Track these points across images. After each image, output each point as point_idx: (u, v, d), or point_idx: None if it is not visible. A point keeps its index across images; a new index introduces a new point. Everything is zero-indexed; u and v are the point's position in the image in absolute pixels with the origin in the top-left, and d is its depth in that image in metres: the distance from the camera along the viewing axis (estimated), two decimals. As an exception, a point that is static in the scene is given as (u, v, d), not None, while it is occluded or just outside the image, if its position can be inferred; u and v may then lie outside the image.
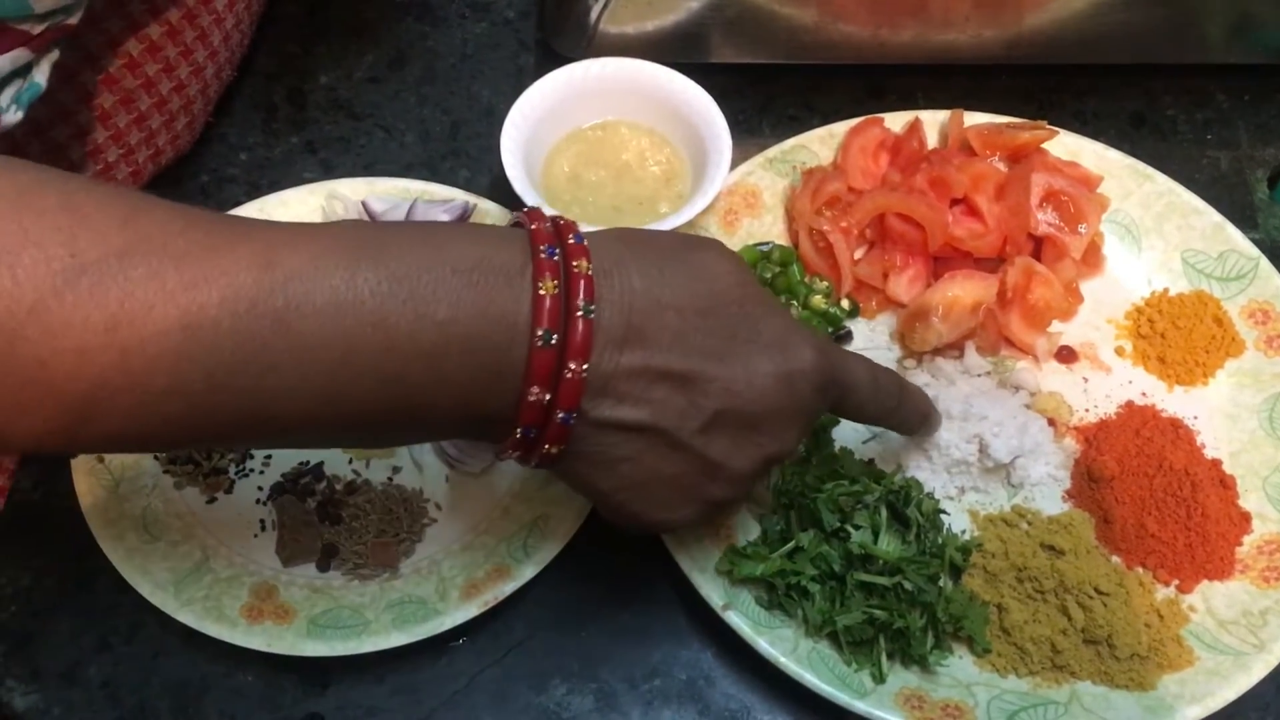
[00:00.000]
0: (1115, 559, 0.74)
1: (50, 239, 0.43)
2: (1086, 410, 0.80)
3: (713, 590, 0.69)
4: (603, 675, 0.71)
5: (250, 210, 0.82)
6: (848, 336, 0.83)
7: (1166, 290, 0.84)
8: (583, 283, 0.51)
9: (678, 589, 0.73)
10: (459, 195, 0.83)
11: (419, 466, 0.77)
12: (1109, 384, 0.82)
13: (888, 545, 0.69)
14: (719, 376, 0.54)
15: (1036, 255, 0.83)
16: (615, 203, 0.84)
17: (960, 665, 0.70)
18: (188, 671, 0.71)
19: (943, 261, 0.83)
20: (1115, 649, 0.69)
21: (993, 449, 0.75)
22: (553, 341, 0.50)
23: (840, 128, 0.87)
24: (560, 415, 0.52)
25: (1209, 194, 0.86)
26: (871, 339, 0.83)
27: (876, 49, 0.90)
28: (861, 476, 0.72)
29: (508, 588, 0.69)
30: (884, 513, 0.71)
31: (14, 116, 0.60)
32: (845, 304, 0.83)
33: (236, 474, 0.76)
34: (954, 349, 0.82)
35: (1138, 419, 0.79)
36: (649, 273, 0.54)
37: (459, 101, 0.94)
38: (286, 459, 0.77)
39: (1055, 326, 0.83)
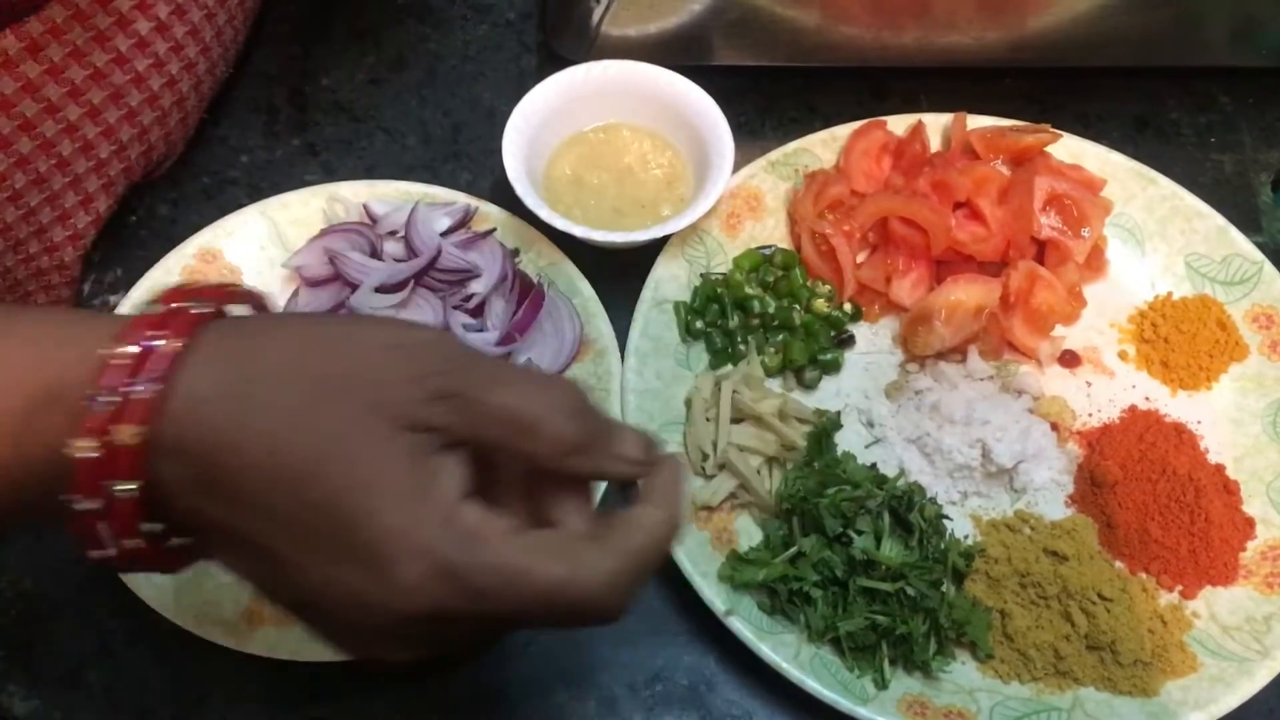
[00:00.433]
0: (1118, 564, 0.74)
1: None
2: (1089, 415, 0.80)
3: (715, 596, 0.69)
4: (604, 681, 0.71)
5: (252, 213, 0.82)
6: (850, 340, 0.82)
7: (1170, 294, 0.84)
8: (126, 456, 0.42)
9: (680, 594, 0.72)
10: (460, 198, 0.83)
11: (420, 471, 0.77)
12: (1112, 388, 0.81)
13: (890, 551, 0.69)
14: (293, 576, 0.44)
15: (1039, 259, 0.83)
16: (617, 205, 0.83)
17: (963, 671, 0.70)
18: (188, 677, 0.70)
19: (945, 265, 0.83)
20: (1118, 655, 0.69)
21: (995, 454, 0.75)
22: (96, 508, 0.42)
23: (843, 130, 0.87)
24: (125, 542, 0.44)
25: (1213, 197, 0.86)
26: (874, 343, 0.83)
27: (879, 51, 0.90)
28: (864, 481, 0.72)
29: (509, 593, 0.69)
30: (887, 518, 0.70)
31: None
32: (848, 308, 0.83)
33: (237, 478, 0.76)
34: (957, 353, 0.82)
35: (1141, 424, 0.79)
36: (253, 421, 0.43)
37: (460, 104, 0.94)
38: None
39: (1058, 331, 0.83)
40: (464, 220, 0.82)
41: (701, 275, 0.82)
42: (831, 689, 0.67)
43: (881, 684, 0.68)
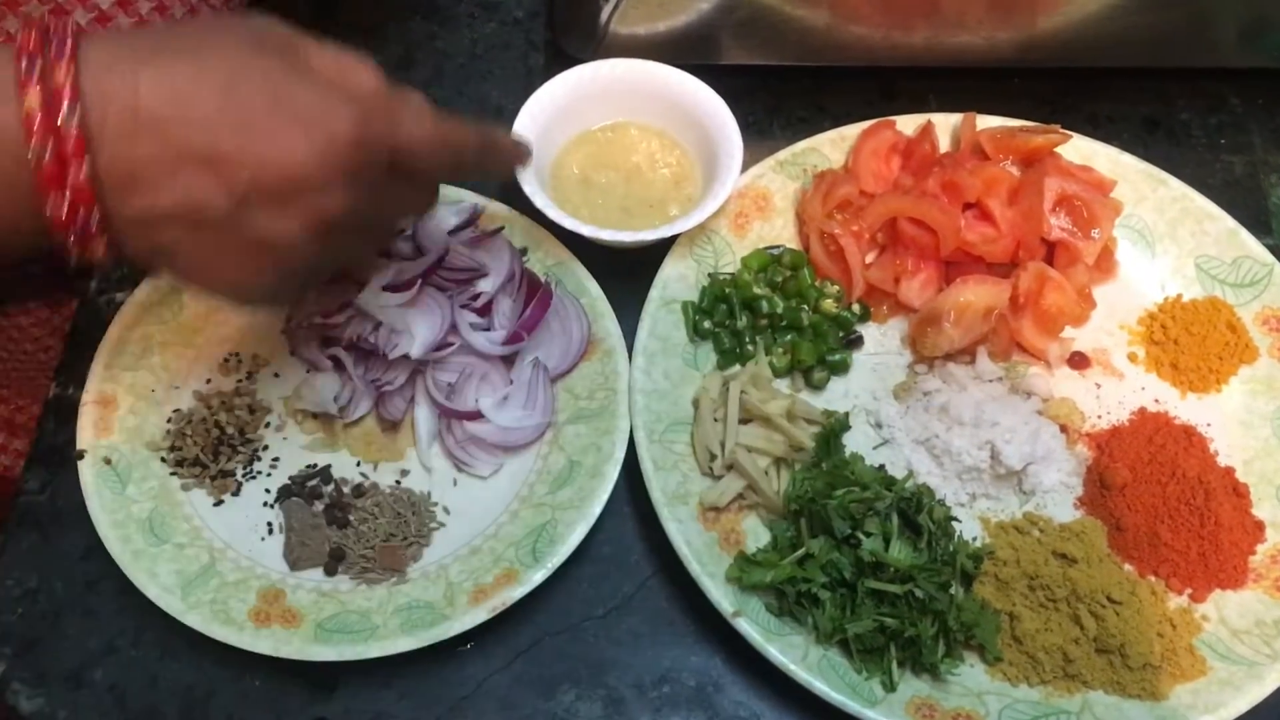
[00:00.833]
0: (1128, 567, 0.74)
1: None
2: (1099, 417, 0.80)
3: (722, 597, 0.69)
4: (611, 681, 0.71)
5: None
6: (859, 341, 0.82)
7: (1180, 296, 0.84)
8: (64, 92, 0.51)
9: (687, 595, 0.72)
10: (468, 196, 0.83)
11: (428, 469, 0.77)
12: (1121, 390, 0.81)
13: (899, 553, 0.69)
14: (246, 149, 0.54)
15: (1049, 260, 0.83)
16: (624, 204, 0.83)
17: (971, 674, 0.70)
18: (194, 675, 0.70)
19: (955, 266, 0.83)
20: (1128, 658, 0.69)
21: (1004, 455, 0.75)
22: (46, 155, 0.51)
23: (852, 130, 0.86)
24: (85, 216, 0.53)
25: (1223, 199, 0.85)
26: (883, 343, 0.83)
27: (888, 51, 0.90)
28: (873, 483, 0.72)
29: (516, 593, 0.69)
30: (895, 520, 0.70)
31: None
32: (856, 308, 0.83)
33: (244, 476, 0.76)
34: (966, 354, 0.81)
35: (1150, 426, 0.78)
36: (162, 61, 0.54)
37: (468, 102, 0.94)
38: (294, 462, 0.77)
39: (1068, 332, 0.82)
40: (472, 219, 0.81)
41: (710, 275, 0.82)
42: (840, 691, 0.66)
43: (890, 686, 0.68)
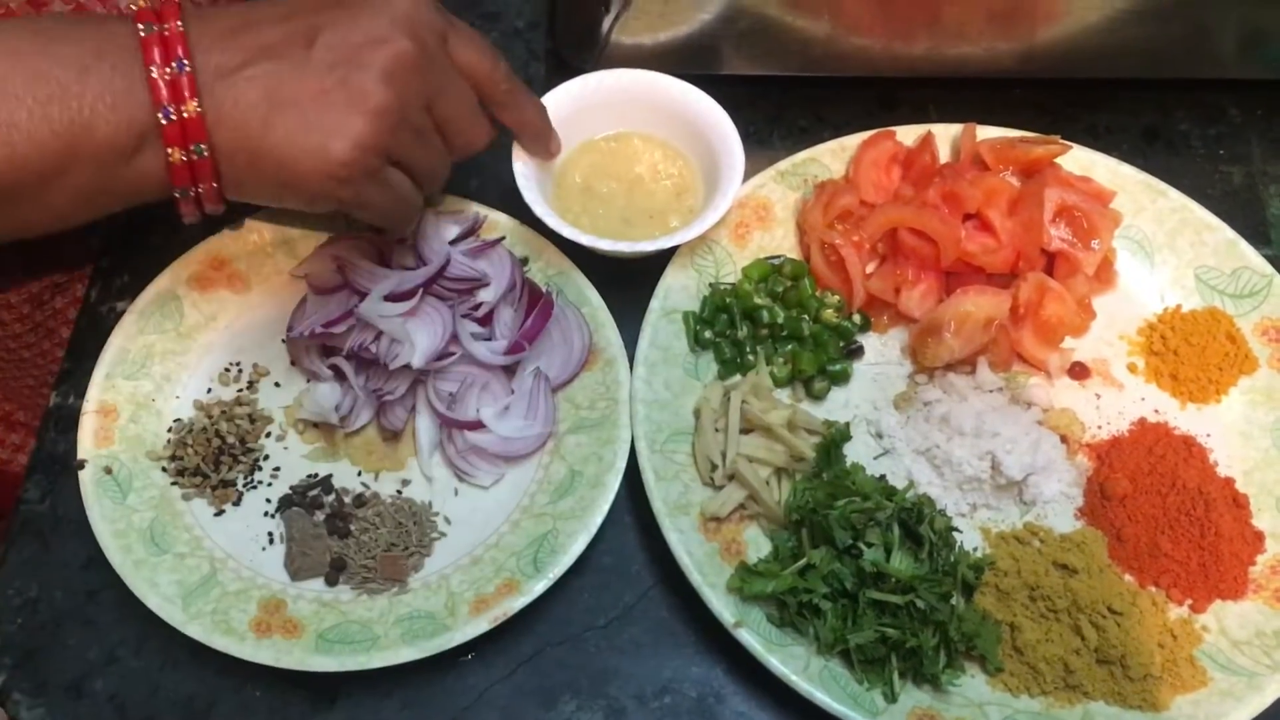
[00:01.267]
0: (1128, 578, 0.74)
1: None
2: (1099, 427, 0.80)
3: (724, 607, 0.69)
4: (612, 692, 0.71)
5: (260, 220, 0.82)
6: (859, 351, 0.82)
7: (1179, 307, 0.84)
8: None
9: (688, 605, 0.72)
10: (469, 206, 0.83)
11: (429, 479, 0.77)
12: (1121, 401, 0.81)
13: (900, 563, 0.69)
14: (323, 9, 0.66)
15: (1049, 271, 0.83)
16: (626, 215, 0.83)
17: (973, 684, 0.70)
18: (195, 685, 0.70)
19: (955, 276, 0.83)
20: (1128, 669, 0.69)
21: (1005, 466, 0.75)
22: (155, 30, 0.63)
23: (852, 141, 0.87)
24: (177, 64, 0.62)
25: (1222, 209, 0.86)
26: (883, 353, 0.83)
27: (888, 61, 0.90)
28: (874, 493, 0.72)
29: (517, 603, 0.69)
30: (896, 530, 0.70)
31: None
32: (857, 318, 0.83)
33: (245, 486, 0.76)
34: (966, 364, 0.81)
35: (1150, 436, 0.78)
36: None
37: (469, 111, 0.94)
38: (295, 471, 0.76)
39: (1068, 342, 0.83)
40: (473, 228, 0.81)
41: (710, 285, 0.82)
42: (841, 701, 0.66)
43: (891, 697, 0.68)
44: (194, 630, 0.68)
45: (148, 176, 0.65)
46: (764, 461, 0.75)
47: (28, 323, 0.87)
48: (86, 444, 0.74)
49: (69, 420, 0.77)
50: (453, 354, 0.77)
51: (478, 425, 0.76)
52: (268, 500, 0.75)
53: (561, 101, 0.82)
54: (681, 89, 0.83)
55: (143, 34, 0.62)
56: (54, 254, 0.84)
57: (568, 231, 0.77)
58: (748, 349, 0.81)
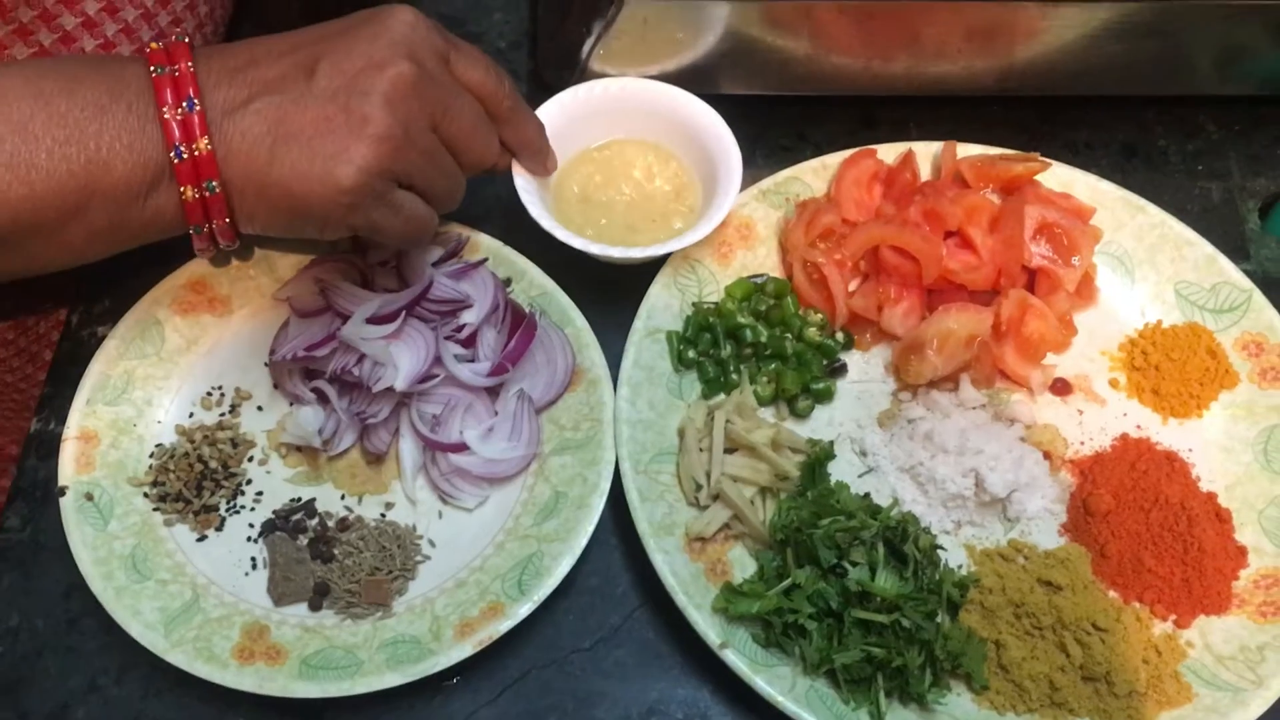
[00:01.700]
0: (1112, 594, 0.74)
1: None
2: (1082, 443, 0.80)
3: (709, 628, 0.69)
4: (598, 715, 0.71)
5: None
6: (842, 369, 0.82)
7: (1160, 322, 0.84)
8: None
9: (673, 627, 0.72)
10: (452, 227, 0.83)
11: (413, 502, 0.76)
12: (1104, 416, 0.82)
13: (885, 582, 0.69)
14: (323, 42, 0.68)
15: (1030, 287, 0.83)
16: (629, 221, 0.83)
17: (959, 703, 0.70)
18: (178, 713, 0.70)
19: (937, 294, 0.83)
20: (1113, 686, 0.69)
21: (989, 483, 0.75)
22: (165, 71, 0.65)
23: (833, 159, 0.87)
24: (188, 104, 0.64)
25: (1201, 225, 0.86)
26: (866, 371, 0.83)
27: (869, 80, 0.90)
28: (858, 512, 0.72)
29: (502, 626, 0.68)
30: (881, 549, 0.70)
31: None
32: (840, 336, 0.83)
33: (227, 511, 0.75)
34: (949, 382, 0.82)
35: (1133, 452, 0.79)
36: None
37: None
38: (278, 496, 0.76)
39: (1050, 359, 0.83)
40: (456, 250, 0.81)
41: (694, 304, 0.82)
42: (827, 722, 0.66)
43: (877, 716, 0.68)
44: (176, 658, 0.67)
45: (163, 214, 0.66)
46: (748, 481, 0.75)
47: (11, 348, 0.87)
48: (68, 470, 0.73)
49: (49, 446, 0.76)
50: (436, 376, 0.76)
51: (461, 447, 0.76)
52: (250, 525, 0.75)
53: (552, 115, 0.82)
54: (669, 93, 0.84)
55: (155, 75, 0.64)
56: (37, 279, 0.84)
57: (576, 242, 0.78)
58: (731, 368, 0.81)
